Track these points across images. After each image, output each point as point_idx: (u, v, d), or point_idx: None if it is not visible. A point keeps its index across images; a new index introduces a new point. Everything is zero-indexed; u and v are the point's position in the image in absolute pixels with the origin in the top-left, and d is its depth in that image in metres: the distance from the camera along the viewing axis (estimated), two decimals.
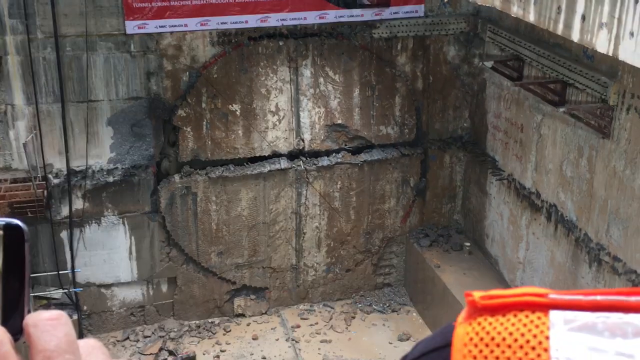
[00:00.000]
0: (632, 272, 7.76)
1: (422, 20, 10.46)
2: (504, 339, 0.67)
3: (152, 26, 9.56)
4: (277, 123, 10.58)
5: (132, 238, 10.47)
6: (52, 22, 9.08)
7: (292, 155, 10.82)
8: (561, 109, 8.54)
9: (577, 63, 8.21)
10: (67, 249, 10.14)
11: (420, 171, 11.36)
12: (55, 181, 9.86)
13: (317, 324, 11.15)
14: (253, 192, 10.72)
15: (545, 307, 0.68)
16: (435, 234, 11.51)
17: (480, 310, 0.70)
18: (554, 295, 0.68)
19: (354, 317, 11.28)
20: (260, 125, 10.52)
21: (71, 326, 0.74)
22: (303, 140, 10.78)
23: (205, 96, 10.16)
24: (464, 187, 11.55)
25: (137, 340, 10.74)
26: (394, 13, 10.32)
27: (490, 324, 0.69)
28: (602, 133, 8.01)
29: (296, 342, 10.74)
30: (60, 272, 10.09)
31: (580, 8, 5.30)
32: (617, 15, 4.94)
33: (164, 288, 10.99)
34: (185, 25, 9.70)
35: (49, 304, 10.20)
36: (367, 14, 10.22)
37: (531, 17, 5.89)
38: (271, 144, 10.66)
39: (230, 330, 11.02)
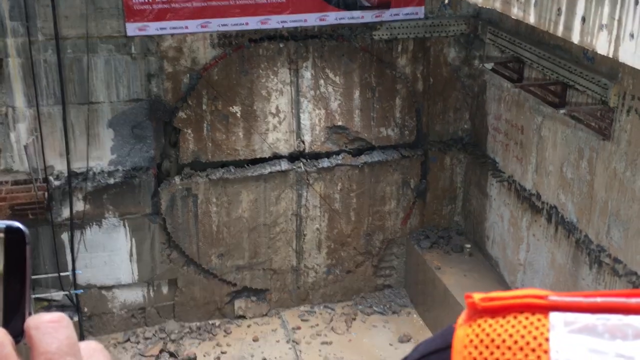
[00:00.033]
0: (633, 273, 7.76)
1: (423, 22, 10.47)
2: (504, 341, 0.67)
3: (152, 28, 9.57)
4: (278, 125, 10.59)
5: (133, 240, 10.48)
6: (53, 24, 9.08)
7: (293, 157, 10.82)
8: (561, 111, 8.55)
9: (577, 65, 8.21)
10: (67, 250, 10.14)
11: (420, 173, 11.36)
12: (56, 183, 9.86)
13: (317, 325, 11.15)
14: (253, 194, 10.73)
15: (546, 309, 0.68)
16: (436, 235, 11.51)
17: (480, 312, 0.70)
18: (554, 297, 0.68)
19: (354, 319, 11.28)
20: (260, 127, 10.52)
21: (72, 329, 0.74)
22: (303, 142, 10.78)
23: (206, 98, 10.17)
24: (464, 188, 11.55)
25: (138, 342, 10.74)
26: (394, 15, 10.33)
27: (490, 325, 0.69)
28: (603, 135, 8.01)
29: (297, 343, 10.74)
30: (61, 274, 10.09)
31: (580, 10, 5.30)
32: (617, 17, 4.94)
33: (165, 290, 10.99)
34: (186, 27, 9.71)
35: (49, 305, 10.20)
36: (368, 16, 10.23)
37: (531, 19, 5.90)
38: (272, 146, 10.66)
39: (230, 332, 11.02)
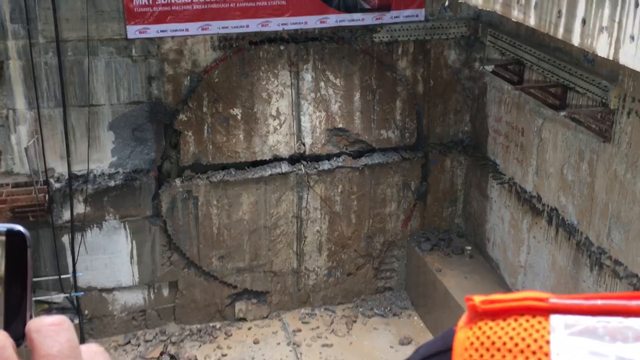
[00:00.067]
0: (634, 275, 7.75)
1: (423, 24, 10.47)
2: (504, 344, 0.67)
3: (153, 31, 9.58)
4: (278, 127, 10.59)
5: (134, 242, 10.48)
6: (54, 27, 9.09)
7: (293, 159, 10.82)
8: (562, 113, 8.55)
9: (577, 67, 8.22)
10: (68, 253, 10.14)
11: (421, 175, 11.36)
12: (57, 185, 9.86)
13: (318, 328, 11.14)
14: (254, 196, 10.73)
15: (546, 312, 0.68)
16: (436, 237, 11.51)
17: (481, 315, 0.71)
18: (554, 300, 0.68)
19: (355, 321, 11.27)
20: (261, 130, 10.53)
21: (73, 331, 0.74)
22: (304, 144, 10.79)
23: (207, 100, 10.17)
24: (464, 191, 11.55)
25: (139, 345, 10.74)
26: (394, 17, 10.34)
27: (490, 328, 0.69)
28: (603, 137, 8.01)
29: (297, 346, 10.73)
30: (61, 276, 10.09)
31: (580, 12, 5.31)
32: (617, 19, 4.95)
33: (165, 292, 10.99)
34: (187, 30, 9.71)
35: (50, 308, 10.20)
36: (368, 18, 10.24)
37: (532, 21, 5.90)
38: (272, 148, 10.66)
39: (231, 335, 11.02)
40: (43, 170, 9.63)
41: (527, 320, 0.68)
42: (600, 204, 8.21)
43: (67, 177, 9.81)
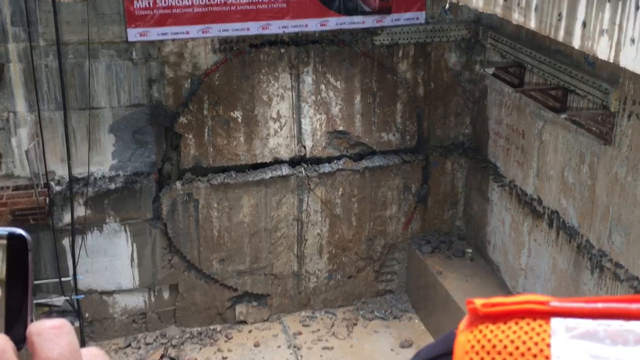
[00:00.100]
0: (634, 278, 7.75)
1: (424, 27, 10.48)
2: (505, 347, 0.67)
3: (153, 33, 9.59)
4: (279, 130, 10.59)
5: (134, 245, 10.48)
6: (55, 30, 9.10)
7: (294, 162, 10.83)
8: (562, 116, 8.55)
9: (578, 69, 8.22)
10: (69, 256, 10.14)
11: (421, 178, 11.36)
12: (57, 188, 9.87)
13: (318, 330, 11.13)
14: (255, 199, 10.73)
15: (547, 315, 0.68)
16: (437, 240, 11.50)
17: (481, 318, 0.71)
18: (555, 303, 0.68)
19: (355, 324, 11.26)
20: (261, 132, 10.53)
21: (74, 335, 0.74)
22: (304, 147, 10.79)
23: (207, 103, 10.18)
24: (465, 193, 11.55)
25: (139, 348, 10.73)
26: (395, 20, 10.34)
27: (491, 331, 0.69)
28: (604, 139, 8.01)
29: (298, 349, 10.72)
30: (62, 279, 10.08)
31: (581, 15, 5.31)
32: (617, 22, 4.95)
33: (166, 295, 10.99)
34: (187, 33, 9.72)
35: (50, 311, 10.20)
36: (369, 21, 10.24)
37: (532, 24, 5.90)
38: (273, 151, 10.67)
39: (232, 337, 11.01)
40: (44, 173, 9.63)
41: (528, 324, 0.68)
42: (601, 207, 8.21)
43: (67, 180, 9.81)
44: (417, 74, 10.86)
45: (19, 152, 9.56)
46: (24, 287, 0.78)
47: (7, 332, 0.75)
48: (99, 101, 9.72)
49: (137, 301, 10.84)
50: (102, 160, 9.97)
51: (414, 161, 11.16)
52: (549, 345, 0.66)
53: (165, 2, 9.47)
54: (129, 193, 10.17)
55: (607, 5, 5.02)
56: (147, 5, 9.44)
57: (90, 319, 10.65)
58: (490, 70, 10.00)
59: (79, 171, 9.87)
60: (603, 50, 5.10)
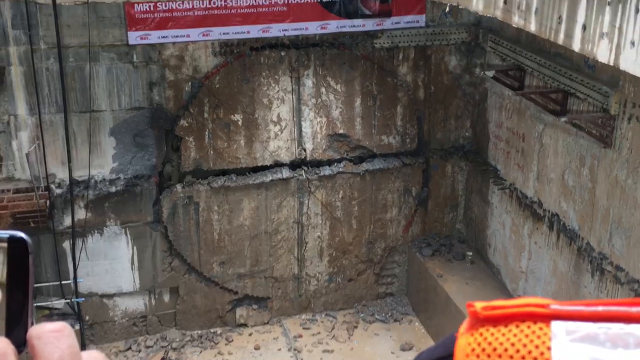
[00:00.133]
0: (635, 281, 7.74)
1: (424, 30, 10.49)
2: (506, 350, 0.67)
3: (154, 37, 9.60)
4: (279, 133, 10.60)
5: (135, 248, 10.48)
6: (55, 33, 9.10)
7: (294, 165, 10.83)
8: (563, 119, 8.55)
9: (578, 72, 8.22)
10: (69, 259, 10.14)
11: (422, 180, 11.36)
12: (58, 191, 9.87)
13: (319, 333, 11.13)
14: (255, 202, 10.73)
15: (547, 318, 0.68)
16: (438, 243, 11.50)
17: (482, 321, 0.71)
18: (555, 306, 0.68)
19: (356, 327, 11.26)
20: (262, 135, 10.54)
21: (74, 338, 0.74)
22: (305, 150, 10.79)
23: (208, 106, 10.18)
24: (465, 196, 11.55)
25: (139, 351, 10.73)
26: (395, 23, 10.35)
27: (492, 334, 0.69)
28: (604, 142, 8.01)
29: (298, 352, 10.72)
30: (62, 282, 10.08)
31: (581, 18, 5.31)
32: (617, 25, 4.95)
33: (166, 298, 10.98)
34: (188, 36, 9.73)
35: (51, 314, 10.19)
36: (369, 24, 10.25)
37: (532, 27, 5.91)
38: (273, 154, 10.67)
39: (232, 340, 11.00)
40: (44, 176, 9.63)
41: (529, 327, 0.68)
42: (602, 210, 8.21)
43: (68, 182, 9.81)
44: (418, 77, 10.87)
45: (19, 155, 9.57)
46: (24, 290, 0.78)
47: (8, 335, 0.75)
48: (99, 104, 9.72)
49: (137, 304, 10.84)
50: (102, 163, 9.98)
51: (415, 164, 11.16)
52: (549, 349, 0.66)
53: (165, 6, 9.49)
54: (129, 196, 10.17)
55: (607, 8, 5.03)
56: (148, 9, 9.45)
57: (90, 322, 10.64)
58: (491, 73, 10.00)
59: (80, 174, 9.87)
60: (603, 53, 5.10)
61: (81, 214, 10.04)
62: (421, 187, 11.38)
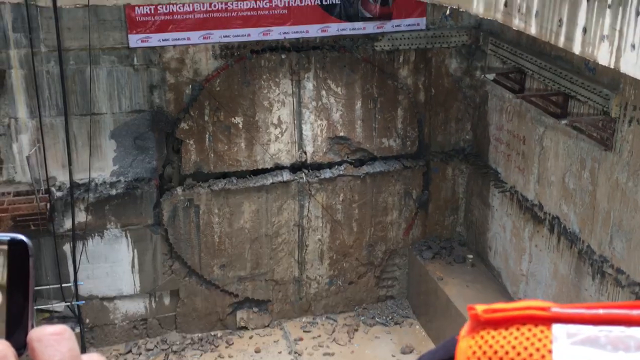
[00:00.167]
0: (636, 284, 7.74)
1: (424, 33, 10.50)
2: (507, 353, 0.67)
3: (155, 39, 9.61)
4: (280, 135, 10.60)
5: (135, 251, 10.47)
6: (56, 36, 9.11)
7: (295, 168, 10.83)
8: (563, 121, 8.55)
9: (578, 75, 8.23)
10: (69, 261, 10.14)
11: (422, 183, 11.36)
12: (58, 194, 9.87)
13: (319, 336, 11.12)
14: (255, 205, 10.73)
15: (548, 321, 0.68)
16: (438, 246, 11.50)
17: (483, 324, 0.70)
18: (556, 309, 0.68)
19: (356, 330, 11.25)
20: (262, 138, 10.54)
21: (75, 341, 0.74)
22: (305, 153, 10.80)
23: (208, 109, 10.19)
24: (466, 199, 11.55)
25: (140, 354, 10.72)
26: (395, 26, 10.36)
27: (493, 337, 0.69)
28: (605, 145, 8.01)
29: (299, 355, 10.71)
30: (63, 285, 10.08)
31: (581, 20, 5.32)
32: (618, 28, 4.95)
33: (167, 301, 10.98)
34: (188, 39, 9.74)
35: (51, 317, 10.19)
36: (369, 27, 10.26)
37: (532, 30, 5.91)
38: (273, 157, 10.67)
39: (232, 343, 11.00)
40: (45, 179, 9.64)
41: (530, 330, 0.68)
42: (602, 213, 8.20)
43: (68, 185, 9.81)
44: (418, 79, 10.87)
45: (20, 158, 9.57)
46: (24, 293, 0.78)
47: (8, 338, 0.75)
48: (100, 107, 9.73)
49: (137, 307, 10.83)
50: (103, 166, 9.98)
51: (415, 167, 11.16)
52: (550, 352, 0.66)
53: (166, 9, 9.49)
54: (129, 199, 10.17)
55: (608, 11, 5.03)
56: (149, 12, 9.46)
57: (91, 324, 10.64)
58: (491, 76, 10.01)
59: (80, 177, 9.87)
60: (603, 56, 5.11)
61: (81, 216, 10.04)
62: (422, 189, 11.38)
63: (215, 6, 9.63)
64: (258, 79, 10.25)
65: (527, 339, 0.67)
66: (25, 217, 9.48)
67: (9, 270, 0.77)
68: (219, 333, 11.17)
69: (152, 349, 10.79)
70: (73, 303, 10.22)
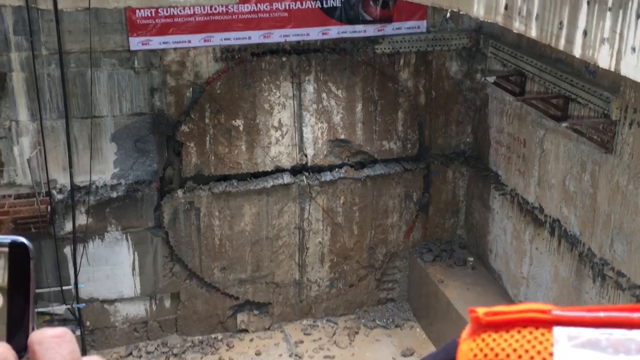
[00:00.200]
0: (636, 287, 7.73)
1: (425, 35, 10.50)
2: (508, 356, 0.67)
3: (155, 42, 9.62)
4: (280, 138, 10.60)
5: (136, 253, 10.47)
6: (57, 39, 9.12)
7: (295, 171, 10.83)
8: (564, 124, 8.55)
9: (579, 78, 8.23)
10: (70, 264, 10.14)
11: (423, 186, 11.36)
12: (59, 197, 9.87)
13: (320, 339, 11.11)
14: (256, 208, 10.73)
15: (549, 324, 0.68)
16: (439, 249, 11.49)
17: (484, 327, 0.70)
18: (557, 312, 0.68)
19: (357, 333, 11.24)
20: (263, 141, 10.54)
21: (75, 343, 0.74)
22: (306, 156, 10.80)
23: (209, 112, 10.19)
24: (467, 202, 11.55)
25: (140, 356, 10.71)
26: (396, 29, 10.37)
27: (494, 340, 0.69)
28: (605, 148, 8.01)
29: (299, 357, 10.70)
30: (63, 287, 10.08)
31: (582, 23, 5.32)
32: (618, 31, 4.96)
33: (167, 303, 10.97)
34: (189, 42, 9.75)
35: (51, 319, 10.18)
36: (370, 30, 10.27)
37: (533, 33, 5.91)
38: (274, 159, 10.68)
39: (233, 346, 10.99)
40: (45, 182, 9.64)
41: (530, 332, 0.68)
42: (603, 215, 8.20)
43: (69, 188, 9.81)
44: (419, 82, 10.87)
45: (21, 160, 9.57)
46: (25, 295, 0.78)
47: (9, 340, 0.75)
48: (100, 110, 9.74)
49: (138, 310, 10.83)
50: (103, 169, 9.98)
51: (416, 170, 11.16)
52: (551, 354, 0.66)
53: (167, 11, 9.50)
54: (130, 201, 10.18)
55: (608, 13, 5.03)
56: (149, 15, 9.47)
57: (91, 327, 10.63)
58: (492, 79, 10.01)
59: (81, 179, 9.88)
60: (604, 59, 5.11)
61: (82, 219, 10.04)
62: (422, 192, 11.38)
63: (215, 9, 9.64)
64: (259, 81, 10.26)
65: (528, 341, 0.67)
66: (26, 220, 9.48)
67: (10, 273, 0.77)
68: (220, 336, 11.16)
69: (153, 352, 10.79)
70: (74, 306, 10.22)
